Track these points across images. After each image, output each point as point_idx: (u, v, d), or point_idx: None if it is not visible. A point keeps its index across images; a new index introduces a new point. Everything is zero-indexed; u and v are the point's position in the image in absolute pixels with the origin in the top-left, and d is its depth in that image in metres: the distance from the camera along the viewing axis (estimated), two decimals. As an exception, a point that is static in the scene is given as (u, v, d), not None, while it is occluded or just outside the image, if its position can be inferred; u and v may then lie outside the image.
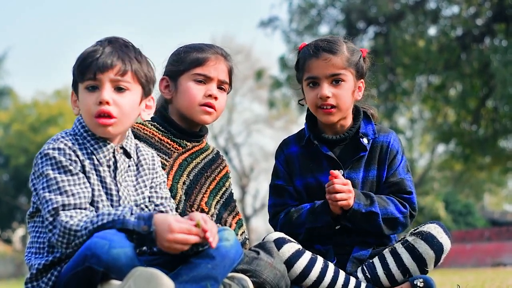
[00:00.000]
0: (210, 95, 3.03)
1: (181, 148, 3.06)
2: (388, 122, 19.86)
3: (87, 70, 2.48)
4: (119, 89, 2.50)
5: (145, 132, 3.02)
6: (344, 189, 2.95)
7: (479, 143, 19.02)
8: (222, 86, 3.09)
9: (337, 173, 2.98)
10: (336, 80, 3.07)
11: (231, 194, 3.21)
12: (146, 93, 2.61)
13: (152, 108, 2.67)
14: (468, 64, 17.82)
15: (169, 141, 3.04)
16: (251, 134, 34.80)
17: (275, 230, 3.12)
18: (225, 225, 3.10)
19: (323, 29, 19.82)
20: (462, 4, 18.13)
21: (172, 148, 3.04)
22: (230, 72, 3.13)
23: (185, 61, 3.06)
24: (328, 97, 3.05)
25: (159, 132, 3.05)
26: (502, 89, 16.14)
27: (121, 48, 2.53)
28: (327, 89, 3.06)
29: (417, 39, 18.00)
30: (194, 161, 3.08)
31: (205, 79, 3.05)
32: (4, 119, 34.24)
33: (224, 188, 3.16)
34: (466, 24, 17.77)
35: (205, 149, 3.17)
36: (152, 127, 3.05)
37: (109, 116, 2.48)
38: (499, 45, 17.32)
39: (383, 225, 3.03)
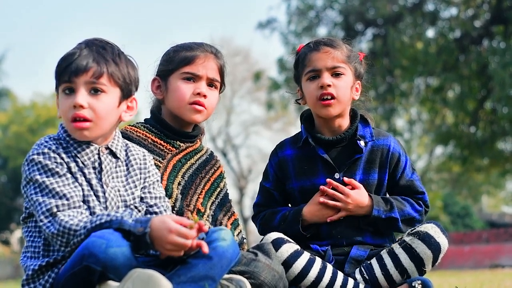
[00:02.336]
0: (199, 93, 3.02)
1: (174, 149, 3.06)
2: (387, 124, 19.87)
3: (63, 73, 2.49)
4: (94, 92, 2.50)
5: (138, 134, 3.01)
6: (341, 197, 3.04)
7: (477, 145, 19.03)
8: (213, 84, 3.08)
9: (348, 180, 3.07)
10: (336, 73, 3.10)
11: (226, 194, 3.21)
12: (126, 94, 2.59)
13: (134, 109, 2.64)
14: (466, 66, 17.83)
15: (162, 142, 3.04)
16: (249, 136, 34.85)
17: (257, 228, 3.21)
18: (220, 226, 3.11)
19: (322, 31, 19.83)
20: (460, 6, 18.15)
21: (165, 150, 3.03)
22: (221, 70, 3.11)
23: (174, 60, 3.06)
24: (329, 86, 3.07)
25: (152, 133, 3.04)
26: (501, 91, 16.15)
27: (98, 50, 2.52)
28: (328, 78, 3.08)
29: (415, 41, 18.00)
30: (189, 162, 3.08)
31: (194, 77, 3.04)
32: (2, 120, 34.22)
33: (219, 189, 3.17)
34: (464, 26, 17.78)
35: (199, 150, 3.17)
36: (145, 129, 3.05)
37: (84, 119, 2.48)
38: (497, 47, 17.33)
39: (402, 227, 3.10)
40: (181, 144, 3.09)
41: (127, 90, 2.58)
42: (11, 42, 68.66)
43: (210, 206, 3.10)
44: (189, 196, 3.02)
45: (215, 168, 3.19)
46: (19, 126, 33.25)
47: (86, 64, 2.48)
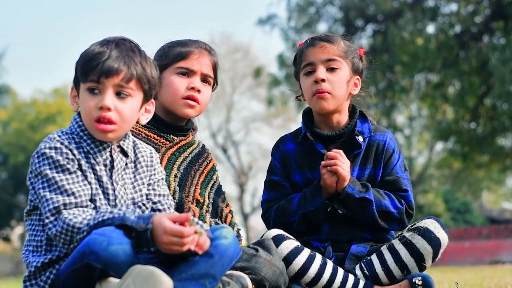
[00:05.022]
0: (193, 88, 3.04)
1: (168, 142, 3.08)
2: (387, 120, 19.88)
3: (92, 72, 2.46)
4: (121, 95, 2.49)
5: (131, 129, 3.01)
6: (339, 163, 2.99)
7: (478, 141, 19.05)
8: (206, 80, 3.10)
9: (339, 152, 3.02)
10: (331, 68, 3.10)
11: (220, 186, 3.23)
12: (148, 98, 2.60)
13: (151, 112, 2.65)
14: (466, 62, 17.84)
15: (156, 136, 3.05)
16: (250, 132, 34.86)
17: (267, 225, 3.16)
18: (221, 213, 3.15)
19: (322, 27, 19.84)
20: (460, 2, 18.16)
21: (159, 143, 3.05)
22: (214, 67, 3.13)
23: (169, 55, 3.07)
24: (323, 80, 3.07)
25: (145, 128, 3.05)
26: (501, 87, 16.17)
27: (128, 52, 2.51)
28: (322, 73, 3.08)
29: (415, 37, 18.02)
30: (182, 155, 3.10)
31: (188, 72, 3.06)
32: (3, 117, 34.23)
33: (212, 181, 3.18)
34: (464, 22, 17.79)
35: (192, 143, 3.18)
36: (138, 124, 3.05)
37: (109, 122, 2.47)
38: (497, 43, 17.34)
39: (378, 216, 3.04)
40: (175, 138, 3.11)
41: (149, 94, 2.59)
42: (12, 39, 68.67)
43: (208, 195, 3.12)
44: (187, 188, 3.04)
45: (208, 161, 3.21)
46: (19, 123, 33.26)
47: (118, 66, 2.46)
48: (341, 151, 3.02)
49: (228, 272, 2.53)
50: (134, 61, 2.50)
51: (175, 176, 3.02)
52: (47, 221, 2.39)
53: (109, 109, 2.46)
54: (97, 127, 2.47)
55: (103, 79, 2.45)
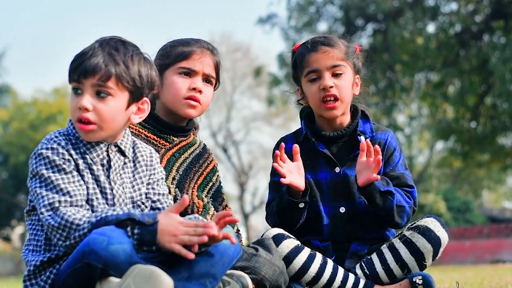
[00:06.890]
0: (194, 88, 3.02)
1: (168, 143, 3.07)
2: (387, 119, 19.89)
3: (74, 72, 2.48)
4: (101, 95, 2.47)
5: (131, 130, 3.00)
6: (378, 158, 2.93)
7: (478, 140, 19.05)
8: (208, 80, 3.09)
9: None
10: (336, 73, 3.09)
11: (219, 188, 3.22)
12: (136, 97, 2.55)
13: (145, 111, 2.61)
14: (467, 61, 17.85)
15: (155, 137, 3.04)
16: (250, 131, 34.87)
17: (271, 227, 3.14)
18: None
19: (322, 26, 19.86)
20: (460, 1, 18.16)
21: (159, 144, 3.04)
22: (216, 67, 3.12)
23: (171, 55, 3.06)
24: (331, 87, 3.06)
25: (145, 129, 3.04)
26: (501, 86, 16.17)
27: (110, 51, 2.49)
28: (329, 80, 3.07)
29: (415, 36, 18.01)
30: (182, 156, 3.09)
31: (190, 72, 3.04)
32: (3, 117, 34.24)
33: (211, 183, 3.18)
34: (464, 21, 17.79)
35: (192, 144, 3.17)
36: (138, 124, 3.03)
37: (88, 122, 2.47)
38: (497, 42, 17.35)
39: (395, 209, 3.02)
40: (175, 139, 3.09)
41: (137, 93, 2.54)
42: (12, 39, 68.67)
43: (206, 197, 3.11)
44: (185, 190, 3.04)
45: (208, 162, 3.20)
46: (20, 122, 33.28)
47: (95, 66, 2.45)
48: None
49: (229, 271, 2.53)
50: (115, 60, 2.48)
51: (173, 178, 3.01)
52: (41, 216, 2.39)
53: (86, 109, 2.46)
54: (78, 127, 2.49)
55: (82, 79, 2.46)
